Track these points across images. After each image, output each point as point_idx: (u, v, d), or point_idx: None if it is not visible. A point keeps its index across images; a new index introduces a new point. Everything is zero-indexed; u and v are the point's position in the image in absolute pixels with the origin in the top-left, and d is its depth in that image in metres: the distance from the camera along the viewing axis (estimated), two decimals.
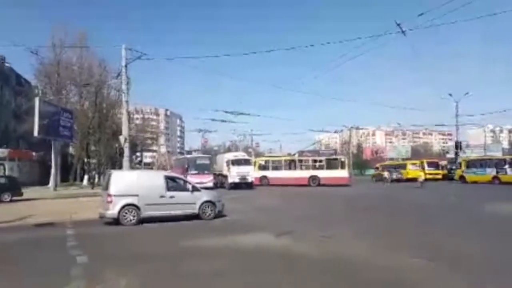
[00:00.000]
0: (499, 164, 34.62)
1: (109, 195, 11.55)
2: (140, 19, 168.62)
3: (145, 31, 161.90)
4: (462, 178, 37.10)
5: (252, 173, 32.29)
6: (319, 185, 33.42)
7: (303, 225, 11.32)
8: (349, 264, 6.71)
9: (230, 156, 34.65)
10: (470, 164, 37.92)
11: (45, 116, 28.53)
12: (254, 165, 35.84)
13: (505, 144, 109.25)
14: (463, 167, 37.89)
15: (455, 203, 18.62)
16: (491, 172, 34.30)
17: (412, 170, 45.87)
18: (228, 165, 32.01)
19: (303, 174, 34.73)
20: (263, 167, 37.13)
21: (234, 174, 31.37)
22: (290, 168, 36.26)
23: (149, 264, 6.81)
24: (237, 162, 32.12)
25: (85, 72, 40.31)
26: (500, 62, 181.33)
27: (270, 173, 36.15)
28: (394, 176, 45.80)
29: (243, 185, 31.07)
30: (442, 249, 7.87)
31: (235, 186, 30.77)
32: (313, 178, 34.26)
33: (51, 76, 37.89)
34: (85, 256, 7.19)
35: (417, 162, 49.68)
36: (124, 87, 21.47)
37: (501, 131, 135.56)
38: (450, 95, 47.66)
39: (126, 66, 21.37)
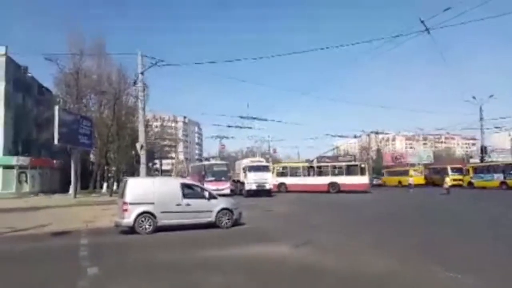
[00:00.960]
0: (506, 169, 34.51)
1: (125, 203, 11.31)
2: (158, 27, 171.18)
3: (162, 39, 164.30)
4: (470, 184, 37.47)
5: (270, 180, 31.13)
6: (338, 191, 32.61)
7: (322, 235, 10.79)
8: (368, 279, 6.19)
9: (247, 162, 33.92)
10: (478, 170, 38.41)
11: (65, 124, 28.87)
12: (272, 171, 35.34)
13: None
14: (471, 173, 38.24)
15: (489, 211, 17.67)
16: (498, 177, 34.50)
17: (415, 176, 46.17)
18: (245, 172, 31.33)
19: (322, 180, 34.03)
20: (281, 174, 36.57)
21: (251, 181, 30.33)
22: (309, 175, 35.61)
23: (161, 277, 6.45)
24: (254, 169, 31.18)
25: (104, 80, 40.78)
26: None
27: (288, 180, 35.58)
28: (374, 182, 47.91)
29: (261, 192, 29.87)
30: (473, 262, 7.23)
31: (253, 193, 29.64)
32: (333, 184, 33.51)
33: (71, 85, 38.45)
34: (96, 268, 6.89)
35: (419, 168, 50.83)
36: (140, 94, 21.45)
37: None
38: (474, 97, 46.14)
39: (142, 73, 21.37)
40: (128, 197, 11.34)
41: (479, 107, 45.57)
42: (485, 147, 48.08)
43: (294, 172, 36.57)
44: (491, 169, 37.18)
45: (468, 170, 39.38)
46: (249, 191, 30.04)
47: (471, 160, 74.70)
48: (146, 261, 7.70)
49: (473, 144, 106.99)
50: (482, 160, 46.92)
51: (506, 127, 58.40)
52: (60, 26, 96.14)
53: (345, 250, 8.56)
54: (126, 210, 11.23)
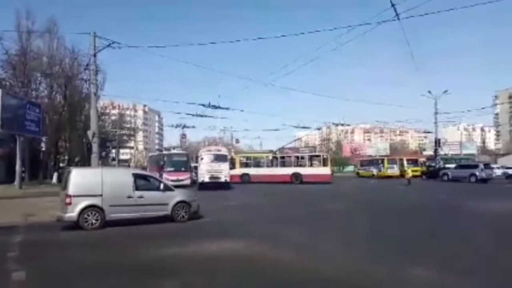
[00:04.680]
0: (376, 163, 45.27)
1: (68, 196, 10.18)
2: (115, 12, 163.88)
3: (119, 22, 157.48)
4: (357, 174, 48.47)
5: (227, 171, 27.26)
6: (301, 182, 32.46)
7: (284, 230, 10.24)
8: (332, 277, 5.72)
9: (203, 150, 30.54)
10: (362, 163, 50.33)
11: (9, 110, 26.61)
12: (234, 162, 34.66)
13: (479, 142, 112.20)
14: (359, 166, 49.86)
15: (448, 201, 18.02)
16: (372, 169, 44.70)
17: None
18: (198, 161, 28.69)
19: (286, 171, 33.72)
20: (244, 164, 35.85)
21: (203, 172, 26.78)
22: (272, 165, 35.17)
23: (102, 284, 5.59)
24: (208, 158, 27.62)
25: (55, 63, 37.99)
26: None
27: (252, 170, 34.92)
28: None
29: (215, 185, 26.32)
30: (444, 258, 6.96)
31: (206, 186, 26.11)
32: (296, 175, 33.31)
33: (18, 67, 35.48)
34: (22, 272, 5.87)
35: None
36: (92, 77, 19.93)
37: (473, 129, 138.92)
38: (430, 92, 47.64)
39: (95, 55, 19.83)
40: (72, 189, 10.19)
41: (434, 101, 47.39)
42: (439, 140, 49.94)
43: (257, 163, 35.95)
44: (369, 163, 48.35)
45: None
46: (201, 183, 26.61)
47: (424, 153, 78.09)
48: (85, 263, 6.74)
49: (425, 137, 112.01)
50: (435, 152, 48.86)
51: (457, 121, 61.56)
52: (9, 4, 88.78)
53: (304, 247, 8.03)
54: (69, 203, 10.10)
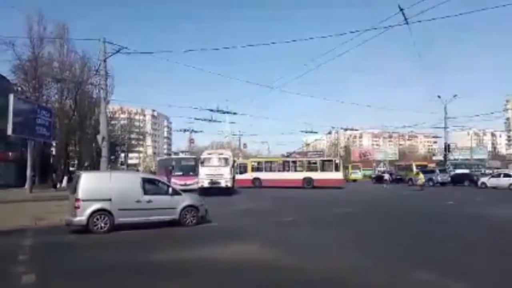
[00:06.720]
0: (345, 169, 50.84)
1: (77, 200, 10.26)
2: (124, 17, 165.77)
3: (131, 28, 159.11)
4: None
5: (228, 175, 25.52)
6: (313, 187, 32.35)
7: (293, 234, 10.23)
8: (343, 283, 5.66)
9: (204, 154, 29.15)
10: (352, 168, 56.66)
11: (20, 114, 26.94)
12: (245, 166, 34.70)
13: (489, 147, 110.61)
14: (350, 169, 55.05)
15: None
16: (357, 173, 54.73)
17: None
18: (199, 165, 27.10)
19: (297, 175, 33.64)
20: (256, 169, 35.92)
21: (203, 177, 25.30)
22: (283, 170, 35.14)
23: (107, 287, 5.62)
24: (208, 162, 26.18)
25: (65, 68, 38.56)
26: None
27: (263, 175, 34.90)
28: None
29: (216, 190, 24.49)
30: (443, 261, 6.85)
31: (206, 191, 23.93)
32: (307, 180, 33.17)
33: (29, 73, 36.05)
34: (33, 275, 5.93)
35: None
36: (102, 83, 20.15)
37: (484, 134, 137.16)
38: (439, 97, 47.18)
39: (105, 60, 20.04)
40: (81, 193, 10.27)
41: (443, 106, 46.85)
42: (449, 145, 49.38)
43: (269, 167, 35.98)
44: (356, 167, 57.06)
45: (347, 167, 54.56)
46: (201, 188, 24.78)
47: (434, 158, 77.28)
48: (94, 266, 6.78)
49: (435, 142, 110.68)
50: (445, 157, 48.31)
51: (467, 126, 60.67)
52: (21, 9, 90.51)
53: (313, 253, 7.96)
54: (78, 207, 10.20)
